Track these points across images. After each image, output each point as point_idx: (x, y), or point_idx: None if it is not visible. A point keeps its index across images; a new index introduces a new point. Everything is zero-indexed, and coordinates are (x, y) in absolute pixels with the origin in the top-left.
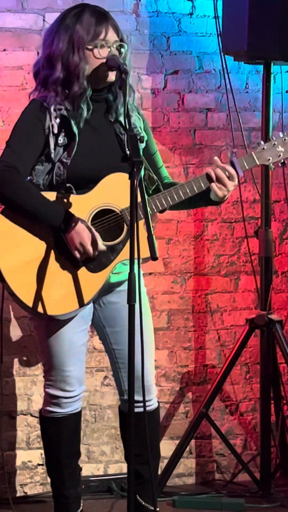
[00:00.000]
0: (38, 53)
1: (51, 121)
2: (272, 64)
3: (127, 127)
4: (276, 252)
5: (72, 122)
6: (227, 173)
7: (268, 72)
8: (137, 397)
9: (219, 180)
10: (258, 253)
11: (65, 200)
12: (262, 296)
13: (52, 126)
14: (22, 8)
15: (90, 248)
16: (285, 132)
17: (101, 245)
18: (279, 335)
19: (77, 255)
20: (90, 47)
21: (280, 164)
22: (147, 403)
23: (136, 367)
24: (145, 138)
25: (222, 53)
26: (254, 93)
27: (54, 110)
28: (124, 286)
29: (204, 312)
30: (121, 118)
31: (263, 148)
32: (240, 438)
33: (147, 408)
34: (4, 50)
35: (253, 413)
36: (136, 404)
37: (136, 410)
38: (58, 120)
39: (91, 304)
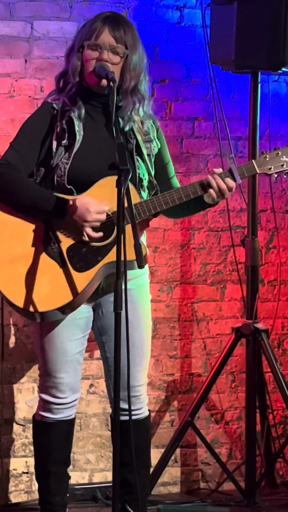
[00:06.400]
0: (25, 60)
1: (57, 122)
2: (259, 73)
3: (115, 135)
4: (262, 261)
5: (76, 124)
6: (226, 185)
7: (255, 82)
8: (126, 406)
9: (218, 188)
10: (244, 262)
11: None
12: (248, 305)
13: (57, 127)
14: (10, 15)
15: (102, 208)
16: None
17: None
18: (265, 344)
19: (92, 220)
20: (83, 46)
21: (285, 175)
22: (137, 411)
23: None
24: (158, 147)
25: (209, 62)
26: (242, 102)
27: (62, 111)
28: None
29: (190, 320)
30: (126, 125)
31: (266, 157)
32: (226, 447)
33: (137, 417)
34: None
35: (239, 422)
36: (123, 413)
37: (123, 418)
38: (64, 122)
39: (87, 313)
